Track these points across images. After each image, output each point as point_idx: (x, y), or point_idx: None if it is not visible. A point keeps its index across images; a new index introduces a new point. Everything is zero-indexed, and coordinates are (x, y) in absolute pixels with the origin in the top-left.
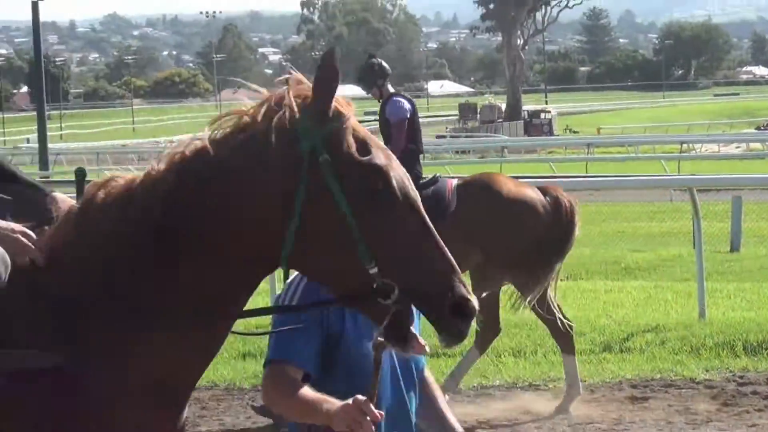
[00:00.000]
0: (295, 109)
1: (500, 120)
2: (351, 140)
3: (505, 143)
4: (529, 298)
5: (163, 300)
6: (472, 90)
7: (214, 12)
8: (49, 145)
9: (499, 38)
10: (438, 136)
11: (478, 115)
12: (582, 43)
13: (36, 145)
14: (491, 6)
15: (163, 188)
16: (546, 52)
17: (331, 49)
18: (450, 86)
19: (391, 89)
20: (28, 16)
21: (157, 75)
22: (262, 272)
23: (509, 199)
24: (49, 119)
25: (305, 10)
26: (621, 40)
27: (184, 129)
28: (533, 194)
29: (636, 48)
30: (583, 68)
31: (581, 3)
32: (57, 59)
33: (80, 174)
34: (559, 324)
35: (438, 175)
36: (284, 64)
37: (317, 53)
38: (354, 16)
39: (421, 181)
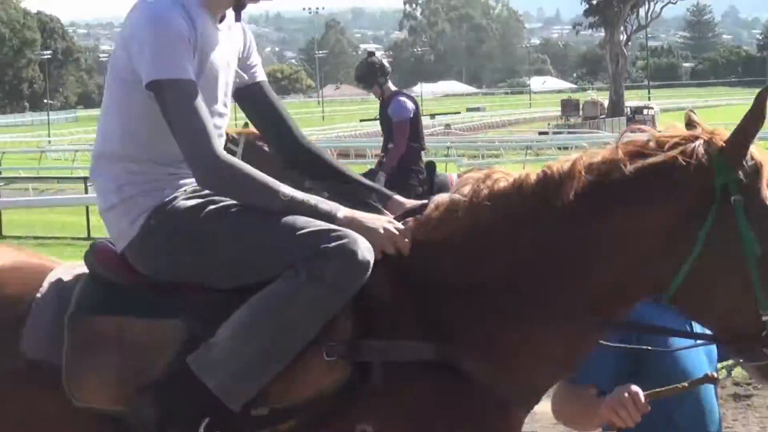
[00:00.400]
0: (715, 143)
1: (603, 116)
2: (765, 188)
3: (608, 140)
4: None
5: (568, 300)
6: (574, 86)
7: (317, 8)
8: None
9: (602, 34)
10: (540, 133)
11: (581, 112)
12: (685, 39)
13: None
14: (594, 2)
15: (570, 190)
16: (649, 48)
17: (764, 90)
18: (552, 82)
19: (393, 87)
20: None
21: None
22: (644, 293)
23: None
24: None
25: (407, 6)
26: (724, 36)
27: None
28: None
29: (739, 44)
30: (686, 64)
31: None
32: None
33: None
34: None
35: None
36: (386, 60)
37: (419, 49)
38: (456, 12)
39: (421, 176)
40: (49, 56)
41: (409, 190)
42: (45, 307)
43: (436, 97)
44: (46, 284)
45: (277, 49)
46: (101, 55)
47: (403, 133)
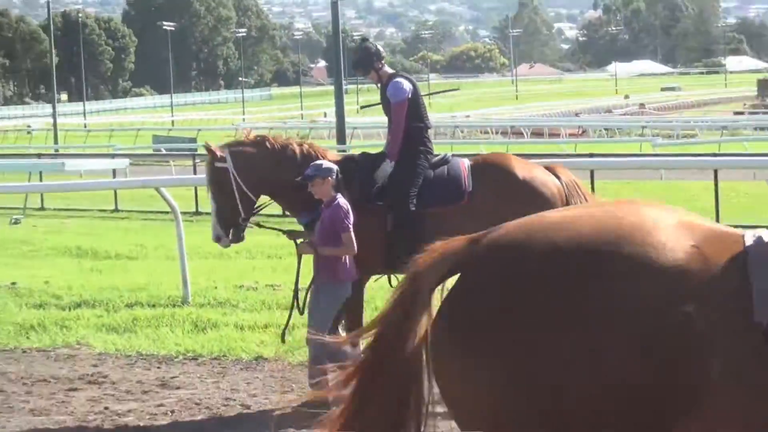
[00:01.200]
0: None
1: None
2: None
3: None
4: None
5: None
6: None
7: None
8: (347, 119)
9: None
10: (736, 113)
11: None
12: None
13: (333, 119)
14: None
15: None
16: None
17: None
18: (748, 62)
19: (390, 70)
20: None
21: (453, 49)
22: None
23: (525, 180)
24: (346, 93)
25: None
26: None
27: (479, 104)
28: (545, 175)
29: None
30: None
31: None
32: (354, 34)
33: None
34: None
35: (447, 154)
36: (580, 39)
37: (613, 28)
38: None
39: (434, 160)
40: (244, 34)
41: (417, 172)
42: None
43: (630, 77)
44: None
45: (470, 27)
46: (295, 33)
47: (400, 115)
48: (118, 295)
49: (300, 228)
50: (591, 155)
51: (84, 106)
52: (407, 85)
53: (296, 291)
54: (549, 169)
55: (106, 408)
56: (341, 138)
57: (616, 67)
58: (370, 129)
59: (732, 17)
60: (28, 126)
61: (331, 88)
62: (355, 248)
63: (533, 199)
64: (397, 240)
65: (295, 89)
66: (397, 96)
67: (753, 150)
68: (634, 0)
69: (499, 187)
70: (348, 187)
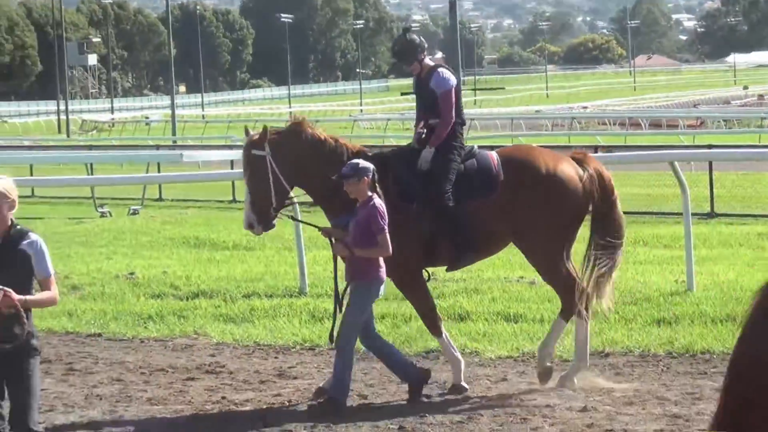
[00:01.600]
0: None
1: None
2: None
3: None
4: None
5: None
6: None
7: None
8: (464, 111)
9: None
10: None
11: None
12: None
13: None
14: None
15: None
16: None
17: None
18: None
19: (430, 62)
20: None
21: (571, 41)
22: None
23: (550, 173)
24: (463, 85)
25: None
26: None
27: (597, 95)
28: (570, 167)
29: None
30: None
31: None
32: (472, 25)
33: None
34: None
35: (475, 147)
36: (699, 30)
37: (732, 19)
38: None
39: (463, 151)
40: (362, 26)
41: (452, 168)
42: None
43: (749, 68)
44: None
45: (588, 18)
46: (413, 25)
47: (449, 105)
48: (235, 285)
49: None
50: (710, 146)
51: (202, 97)
52: (452, 76)
53: (336, 290)
54: (576, 159)
55: (223, 397)
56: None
57: (735, 58)
58: (487, 120)
59: None
60: (147, 117)
61: None
62: (390, 249)
63: (559, 190)
64: (437, 235)
65: (412, 80)
66: (444, 85)
67: None
68: None
69: (527, 179)
70: (382, 185)
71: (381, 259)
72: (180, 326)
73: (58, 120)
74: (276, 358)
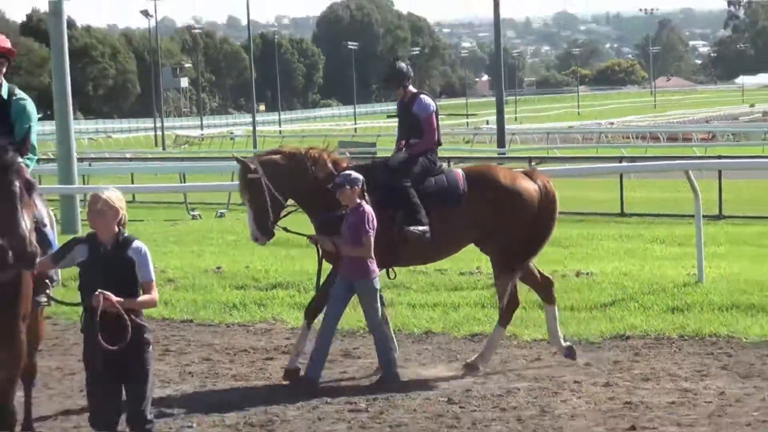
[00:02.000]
0: None
1: None
2: None
3: None
4: (528, 262)
5: None
6: None
7: (651, 9)
8: (506, 127)
9: None
10: None
11: None
12: None
13: (494, 127)
14: None
15: None
16: None
17: None
18: None
19: (413, 89)
20: (489, 14)
21: (600, 65)
22: None
23: (508, 186)
24: (506, 104)
25: (731, 7)
26: None
27: (622, 112)
28: (525, 181)
29: None
30: None
31: None
32: (514, 51)
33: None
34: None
35: (444, 164)
36: (712, 55)
37: (741, 46)
38: None
39: (434, 166)
40: (418, 52)
41: (414, 169)
42: None
43: (756, 88)
44: None
45: (615, 45)
46: (462, 51)
47: (432, 128)
48: (307, 278)
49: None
50: (719, 157)
51: (279, 115)
52: (432, 102)
53: (318, 285)
54: (528, 174)
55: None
56: (501, 142)
57: (743, 80)
58: (527, 135)
59: None
60: (231, 133)
61: (493, 99)
62: (372, 252)
63: (515, 201)
64: (409, 236)
65: (462, 100)
66: (427, 110)
67: None
68: (759, 21)
69: (488, 193)
70: (372, 193)
71: (370, 259)
72: (260, 313)
73: (155, 135)
74: (342, 340)
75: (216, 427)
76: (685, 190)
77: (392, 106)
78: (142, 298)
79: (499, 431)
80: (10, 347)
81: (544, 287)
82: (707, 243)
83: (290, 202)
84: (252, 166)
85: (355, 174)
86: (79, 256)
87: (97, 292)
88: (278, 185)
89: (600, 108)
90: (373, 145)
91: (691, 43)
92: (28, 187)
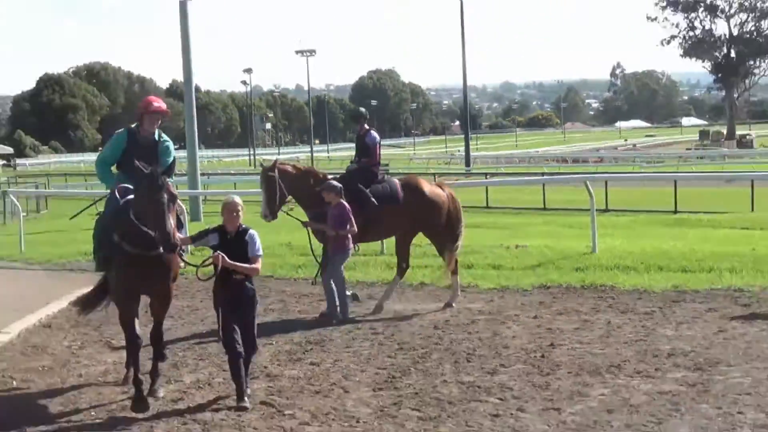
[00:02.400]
0: None
1: (723, 140)
2: None
3: (726, 153)
4: (455, 246)
5: None
6: (706, 122)
7: (561, 79)
8: (471, 153)
9: (724, 93)
10: (687, 149)
11: (710, 138)
12: None
13: (464, 153)
14: (720, 75)
15: None
16: (750, 101)
17: None
18: (694, 120)
19: (367, 126)
20: (460, 82)
21: (529, 115)
22: None
23: (428, 192)
24: (471, 139)
25: (612, 78)
26: None
27: (544, 144)
28: (438, 189)
29: None
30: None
31: None
32: (475, 106)
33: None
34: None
35: (386, 175)
36: (600, 109)
37: (618, 103)
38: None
39: (376, 178)
40: (415, 106)
41: (367, 184)
42: None
43: (628, 129)
44: None
45: (539, 102)
46: (443, 106)
47: (375, 151)
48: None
49: (306, 219)
50: (606, 173)
51: (327, 146)
52: (377, 135)
53: (312, 251)
54: (439, 185)
55: (321, 314)
56: (467, 163)
57: (620, 124)
58: (484, 158)
59: (686, 96)
60: (297, 159)
61: (462, 136)
62: (355, 229)
63: (433, 206)
64: (369, 224)
65: (443, 137)
66: (374, 141)
67: (699, 169)
68: (630, 87)
69: (414, 196)
70: (346, 195)
71: (350, 238)
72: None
73: (249, 159)
74: (365, 289)
75: (287, 344)
76: (584, 193)
77: (400, 140)
78: (248, 265)
79: (467, 347)
80: (166, 293)
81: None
82: (598, 227)
83: (290, 200)
84: (270, 173)
85: (335, 183)
86: (212, 241)
87: (216, 252)
88: (286, 185)
89: (529, 141)
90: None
91: (587, 101)
92: (172, 198)
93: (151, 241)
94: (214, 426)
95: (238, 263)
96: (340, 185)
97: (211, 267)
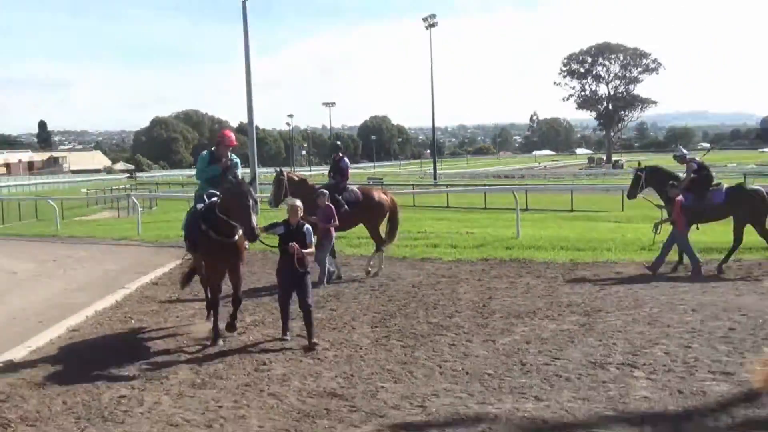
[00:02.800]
0: None
1: (603, 163)
2: None
3: (605, 172)
4: (393, 239)
5: None
6: (592, 152)
7: (498, 123)
8: (438, 171)
9: (604, 132)
10: (579, 169)
11: (595, 162)
12: (635, 131)
13: (432, 172)
14: (601, 121)
15: None
16: (621, 137)
17: None
18: (585, 150)
19: (341, 154)
20: (430, 123)
21: (475, 146)
22: None
23: (376, 197)
24: (437, 162)
25: (530, 122)
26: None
27: (484, 165)
28: (384, 195)
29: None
30: (636, 144)
31: (638, 119)
32: (440, 140)
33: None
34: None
35: (350, 186)
36: (522, 142)
37: (534, 138)
38: None
39: (345, 192)
40: (400, 140)
41: (340, 192)
42: None
43: (541, 156)
44: None
45: (482, 138)
46: (419, 140)
47: (346, 173)
48: (358, 235)
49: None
50: (525, 185)
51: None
52: (349, 162)
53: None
54: (384, 191)
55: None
56: (435, 177)
57: (535, 153)
58: (447, 175)
59: (581, 134)
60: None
61: (431, 160)
62: (338, 223)
63: (381, 206)
64: (342, 219)
65: (419, 161)
66: (346, 165)
67: (588, 183)
68: (543, 127)
69: (368, 200)
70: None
71: (332, 230)
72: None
73: None
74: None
75: (315, 297)
76: (511, 198)
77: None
78: (308, 249)
79: (434, 299)
80: (239, 270)
81: (387, 241)
82: (521, 221)
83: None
84: (281, 176)
85: (324, 190)
86: (280, 231)
87: (292, 243)
88: (290, 186)
89: (476, 164)
90: (381, 179)
91: (514, 137)
92: (254, 201)
93: (231, 231)
94: (266, 351)
95: (303, 250)
96: (327, 192)
97: (269, 241)
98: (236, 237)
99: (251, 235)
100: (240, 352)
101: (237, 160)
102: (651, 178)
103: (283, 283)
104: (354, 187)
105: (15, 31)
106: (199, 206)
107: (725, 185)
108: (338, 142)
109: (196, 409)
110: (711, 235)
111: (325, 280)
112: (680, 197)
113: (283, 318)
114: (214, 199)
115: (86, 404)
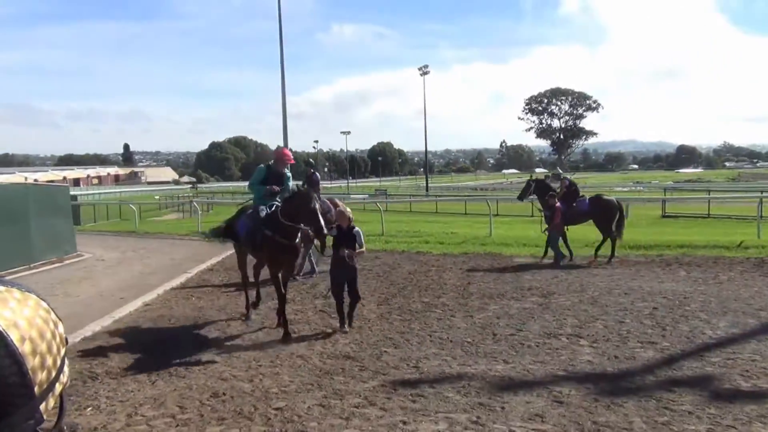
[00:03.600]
0: None
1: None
2: None
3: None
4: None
5: None
6: (546, 171)
7: (476, 148)
8: (429, 184)
9: (557, 155)
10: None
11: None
12: (581, 155)
13: (424, 185)
14: (555, 147)
15: None
16: (570, 160)
17: None
18: (541, 170)
19: (312, 170)
20: (423, 148)
21: (458, 165)
22: None
23: (338, 206)
24: (429, 178)
25: (500, 147)
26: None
27: (464, 181)
28: (341, 204)
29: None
30: (581, 165)
31: (582, 146)
32: (431, 160)
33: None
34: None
35: (323, 197)
36: (493, 163)
37: (504, 161)
38: None
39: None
40: (400, 161)
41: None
42: None
43: (509, 174)
44: None
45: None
46: (415, 160)
47: (318, 187)
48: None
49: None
50: (497, 196)
51: (356, 182)
52: (319, 176)
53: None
54: (337, 202)
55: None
56: (427, 189)
57: (504, 171)
58: (436, 188)
59: (537, 157)
60: (340, 187)
61: (423, 176)
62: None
63: (342, 214)
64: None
65: (414, 177)
66: (318, 181)
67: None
68: (510, 151)
69: (336, 210)
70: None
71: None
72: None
73: None
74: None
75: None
76: (485, 206)
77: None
78: (360, 250)
79: (426, 283)
80: (293, 267)
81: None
82: (493, 223)
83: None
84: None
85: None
86: (333, 233)
87: (348, 250)
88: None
89: (458, 180)
90: (385, 190)
91: (488, 159)
92: (319, 204)
93: (292, 234)
94: (294, 323)
95: (355, 251)
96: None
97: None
98: (297, 239)
99: (320, 234)
100: (275, 324)
101: (289, 173)
102: (537, 188)
103: (337, 277)
104: (324, 197)
105: (107, 72)
106: (262, 213)
107: (587, 197)
108: (312, 160)
109: (240, 367)
110: (578, 233)
111: (315, 271)
112: (558, 204)
113: (339, 309)
114: (275, 206)
115: (156, 362)
